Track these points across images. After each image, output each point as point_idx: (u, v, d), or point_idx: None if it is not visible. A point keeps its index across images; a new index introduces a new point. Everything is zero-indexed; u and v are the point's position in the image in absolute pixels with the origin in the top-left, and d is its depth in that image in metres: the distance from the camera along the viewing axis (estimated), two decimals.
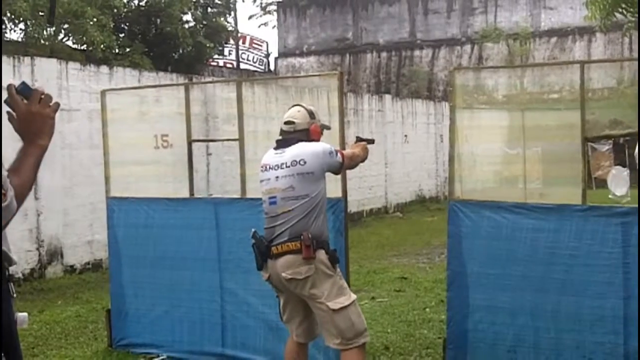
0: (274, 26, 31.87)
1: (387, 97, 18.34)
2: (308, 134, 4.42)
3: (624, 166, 16.43)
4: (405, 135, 18.04)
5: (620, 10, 7.02)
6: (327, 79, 6.17)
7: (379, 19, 28.96)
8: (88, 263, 10.16)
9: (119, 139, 6.35)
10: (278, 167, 4.30)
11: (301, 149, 4.28)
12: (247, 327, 5.48)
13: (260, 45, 31.27)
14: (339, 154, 4.39)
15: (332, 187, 5.35)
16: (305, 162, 4.23)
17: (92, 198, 9.74)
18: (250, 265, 5.40)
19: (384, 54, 28.88)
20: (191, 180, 5.97)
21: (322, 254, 4.24)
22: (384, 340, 6.17)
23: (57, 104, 2.30)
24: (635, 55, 24.73)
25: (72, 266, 9.95)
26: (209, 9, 21.01)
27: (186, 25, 19.30)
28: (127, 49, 17.71)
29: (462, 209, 5.01)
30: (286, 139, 4.41)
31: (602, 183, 16.81)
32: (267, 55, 31.52)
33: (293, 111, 4.52)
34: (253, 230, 4.41)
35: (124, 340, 6.07)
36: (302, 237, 4.17)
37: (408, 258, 10.60)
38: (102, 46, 15.98)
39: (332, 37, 29.61)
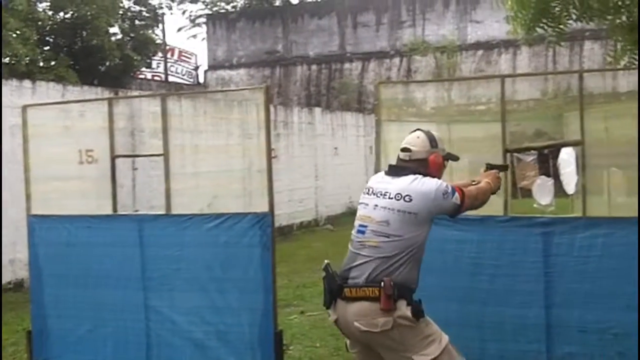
0: (203, 38, 31.65)
1: (317, 109, 18.41)
2: (426, 166, 3.86)
3: (548, 176, 16.81)
4: (336, 148, 18.12)
5: (541, 25, 7.15)
6: (255, 92, 6.15)
7: (309, 31, 29.07)
8: (10, 283, 9.86)
9: (42, 155, 6.18)
10: (380, 195, 3.78)
11: (411, 184, 3.72)
12: (172, 345, 5.38)
13: (189, 58, 31.01)
14: (456, 195, 3.76)
15: (259, 201, 5.33)
16: (410, 200, 3.67)
17: (15, 216, 9.46)
18: (175, 283, 5.36)
19: (314, 67, 28.97)
20: (114, 196, 5.86)
21: (402, 306, 3.62)
22: (312, 355, 6.16)
23: None
24: (559, 67, 25.42)
25: None
26: (137, 22, 20.80)
27: (113, 38, 19.07)
28: (52, 62, 17.36)
29: None
30: (400, 167, 3.89)
31: (528, 193, 17.17)
32: (196, 68, 31.29)
33: (412, 137, 3.96)
34: (326, 262, 3.90)
35: None
36: (382, 284, 3.58)
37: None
38: (26, 59, 15.62)
39: (262, 50, 29.56)
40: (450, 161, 4.06)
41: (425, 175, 3.80)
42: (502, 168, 4.39)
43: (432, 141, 3.92)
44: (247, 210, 5.35)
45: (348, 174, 18.53)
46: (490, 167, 4.28)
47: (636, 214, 4.50)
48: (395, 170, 3.89)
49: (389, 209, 3.70)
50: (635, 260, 4.45)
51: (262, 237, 5.08)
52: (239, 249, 5.19)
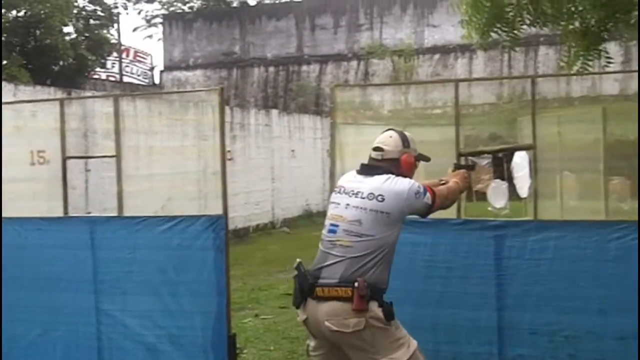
0: (159, 39, 31.41)
1: (274, 111, 18.37)
2: (398, 165, 3.86)
3: (503, 179, 16.98)
4: (293, 150, 18.10)
5: (495, 29, 7.22)
6: (211, 93, 6.06)
7: (267, 33, 29.02)
8: None
9: None
10: (352, 194, 3.75)
11: (384, 184, 3.71)
12: (124, 349, 5.30)
13: (145, 58, 30.73)
14: (428, 195, 3.78)
15: (214, 204, 5.29)
16: (383, 200, 3.66)
17: None
18: (127, 286, 5.29)
19: (271, 69, 28.93)
20: (65, 198, 5.75)
21: (374, 306, 3.60)
22: (266, 359, 6.14)
23: None
24: (514, 72, 25.77)
25: None
26: (91, 21, 20.56)
27: (67, 37, 18.80)
28: (5, 62, 17.05)
29: None
30: (372, 166, 3.87)
31: (483, 196, 17.34)
32: (152, 69, 31.01)
33: (384, 136, 3.95)
34: (298, 260, 3.81)
35: None
36: (356, 284, 3.54)
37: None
38: None
39: (219, 51, 29.43)
40: None
41: (397, 175, 3.79)
42: (470, 168, 4.45)
43: (405, 141, 3.92)
44: (202, 212, 5.32)
45: (305, 176, 18.53)
46: (458, 167, 4.35)
47: (588, 217, 4.57)
48: (367, 170, 3.86)
49: (361, 208, 3.68)
50: (585, 263, 4.52)
51: (216, 239, 5.03)
52: (192, 252, 5.14)
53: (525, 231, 4.66)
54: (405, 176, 3.84)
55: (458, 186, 4.12)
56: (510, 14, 6.98)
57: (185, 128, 13.08)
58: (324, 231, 3.82)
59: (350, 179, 3.89)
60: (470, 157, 4.53)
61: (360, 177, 3.84)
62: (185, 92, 21.31)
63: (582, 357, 4.58)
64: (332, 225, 3.77)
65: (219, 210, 5.10)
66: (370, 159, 3.92)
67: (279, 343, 6.60)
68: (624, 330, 4.48)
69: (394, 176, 3.77)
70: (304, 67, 28.51)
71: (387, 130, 4.01)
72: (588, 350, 4.56)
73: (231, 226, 14.38)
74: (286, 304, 8.27)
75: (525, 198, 12.69)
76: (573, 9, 7.23)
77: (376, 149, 3.91)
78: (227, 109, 15.33)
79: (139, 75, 29.84)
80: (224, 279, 5.06)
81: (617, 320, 4.49)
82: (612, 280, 4.48)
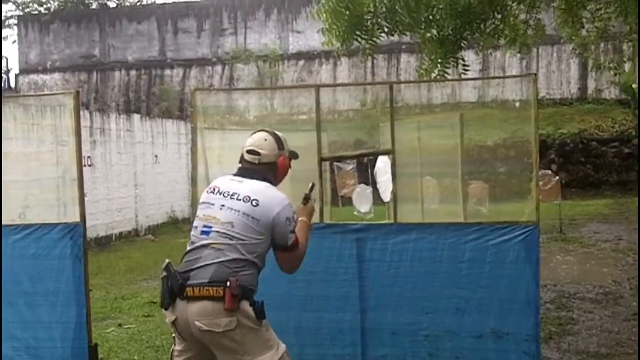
0: (14, 41, 30.04)
1: (136, 116, 17.94)
2: (275, 169, 3.81)
3: (367, 184, 17.35)
4: (156, 156, 17.74)
5: (355, 37, 7.37)
6: (66, 97, 5.85)
7: (128, 36, 28.37)
8: None
9: None
10: (228, 195, 3.65)
11: (262, 190, 3.65)
12: None
13: None
14: (294, 235, 3.72)
15: (74, 211, 5.11)
16: (257, 205, 3.59)
17: None
18: None
19: (133, 72, 28.29)
20: None
21: (246, 306, 3.53)
22: None
23: None
24: (377, 79, 26.41)
25: None
26: None
27: None
28: None
29: None
30: (249, 170, 3.77)
31: (349, 201, 17.66)
32: (7, 72, 29.64)
33: (258, 139, 3.82)
34: (167, 261, 3.66)
35: None
36: (229, 283, 3.45)
37: (159, 281, 10.31)
38: None
39: (77, 54, 28.50)
40: None
41: (273, 178, 3.78)
42: (307, 196, 4.14)
43: (280, 143, 3.85)
44: (61, 220, 5.14)
45: (169, 182, 18.21)
46: (306, 197, 4.11)
47: (447, 220, 4.73)
48: (245, 172, 3.78)
49: (235, 210, 3.59)
50: (443, 264, 4.69)
51: (74, 248, 4.89)
52: (49, 261, 4.99)
53: (386, 234, 4.78)
54: (280, 179, 3.83)
55: (307, 225, 4.03)
56: (369, 22, 7.15)
57: (42, 133, 12.57)
58: (195, 232, 3.69)
59: (226, 180, 3.78)
60: (336, 163, 4.57)
61: (238, 179, 3.74)
62: (40, 95, 20.50)
63: (441, 355, 4.74)
64: (205, 226, 3.65)
65: (74, 218, 4.95)
66: (245, 161, 3.82)
67: (143, 352, 6.45)
68: (480, 328, 4.68)
69: (273, 187, 3.72)
70: (167, 71, 28.09)
71: (259, 132, 3.90)
72: (447, 349, 4.73)
73: (93, 234, 14.00)
74: (150, 312, 8.11)
75: (387, 202, 13.02)
76: (430, 17, 7.49)
77: (251, 152, 3.80)
78: (87, 114, 14.85)
79: None
80: (83, 288, 4.93)
81: (473, 319, 4.68)
82: (467, 280, 4.66)
